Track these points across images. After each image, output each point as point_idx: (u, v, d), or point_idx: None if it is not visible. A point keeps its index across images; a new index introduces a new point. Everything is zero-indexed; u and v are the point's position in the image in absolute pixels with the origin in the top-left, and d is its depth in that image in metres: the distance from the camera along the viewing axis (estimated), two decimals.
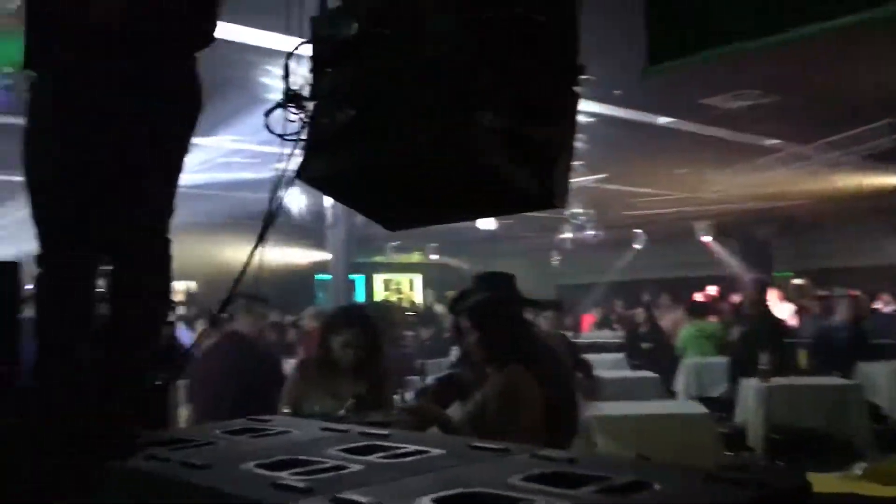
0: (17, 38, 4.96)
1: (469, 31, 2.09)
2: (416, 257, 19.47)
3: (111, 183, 2.07)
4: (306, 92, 2.34)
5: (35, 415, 2.01)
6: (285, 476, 1.58)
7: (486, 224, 12.86)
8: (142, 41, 2.04)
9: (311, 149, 2.31)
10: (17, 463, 1.92)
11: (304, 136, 2.33)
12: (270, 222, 2.43)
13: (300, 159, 2.33)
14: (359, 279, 18.14)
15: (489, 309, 3.24)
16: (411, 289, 21.00)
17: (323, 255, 14.09)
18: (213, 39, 2.23)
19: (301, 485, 1.49)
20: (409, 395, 4.05)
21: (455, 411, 3.29)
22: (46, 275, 2.08)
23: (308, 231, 12.86)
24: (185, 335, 6.07)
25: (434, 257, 19.02)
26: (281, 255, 14.04)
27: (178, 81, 2.17)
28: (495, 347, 3.20)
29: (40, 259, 2.09)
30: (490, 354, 3.20)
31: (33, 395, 2.04)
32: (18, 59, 4.78)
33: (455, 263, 18.65)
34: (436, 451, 1.76)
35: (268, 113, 2.33)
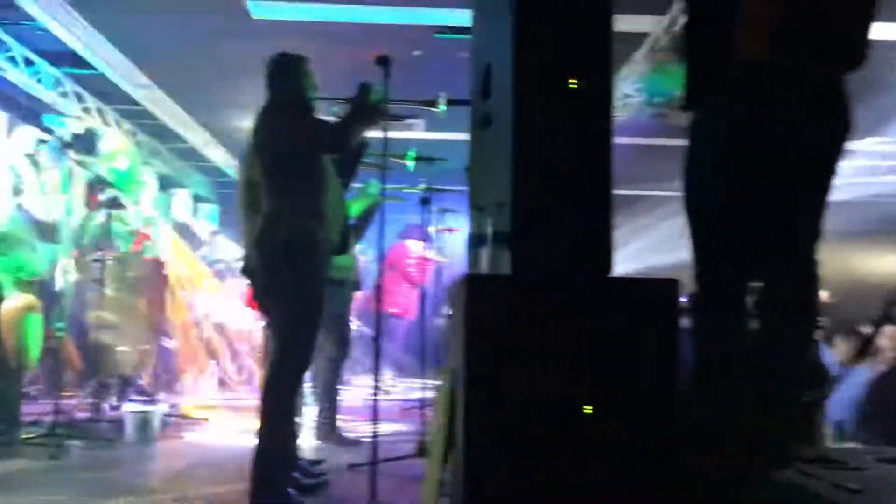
0: (667, 72, 5.50)
1: None
2: None
3: (766, 207, 2.19)
4: None
5: (696, 418, 2.25)
6: None
7: None
8: (792, 71, 2.11)
9: None
10: (681, 461, 2.18)
11: None
12: None
13: None
14: None
15: None
16: None
17: None
18: (866, 59, 2.18)
19: None
20: None
21: None
22: (703, 290, 2.30)
23: None
24: (825, 351, 5.89)
25: None
26: None
27: (830, 104, 2.18)
28: None
29: (698, 276, 2.32)
30: None
31: (694, 400, 2.28)
32: (669, 91, 5.30)
33: None
34: None
35: None
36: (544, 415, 2.42)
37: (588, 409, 2.44)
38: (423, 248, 8.48)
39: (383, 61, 3.21)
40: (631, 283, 2.49)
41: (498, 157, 2.69)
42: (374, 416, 3.03)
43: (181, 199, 11.51)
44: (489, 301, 2.46)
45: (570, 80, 2.56)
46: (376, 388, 3.07)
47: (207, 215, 12.64)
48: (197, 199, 12.29)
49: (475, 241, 2.58)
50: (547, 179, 2.56)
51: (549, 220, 2.55)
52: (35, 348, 5.00)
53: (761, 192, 2.18)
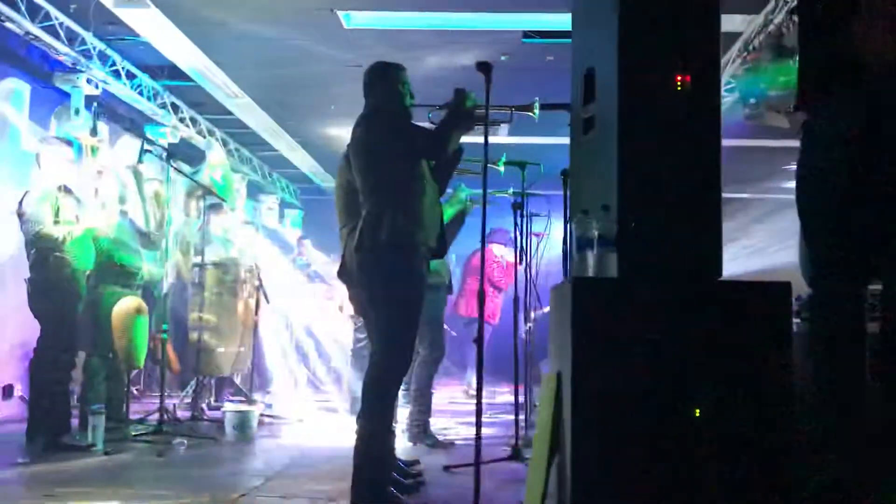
0: (761, 72, 5.38)
1: None
2: None
3: (891, 209, 2.13)
4: None
5: (814, 422, 2.21)
6: None
7: None
8: None
9: None
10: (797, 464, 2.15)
11: None
12: None
13: None
14: None
15: None
16: None
17: None
18: None
19: None
20: None
21: None
22: (820, 293, 2.26)
23: None
24: None
25: None
26: None
27: None
28: None
29: (814, 278, 2.28)
30: None
31: (811, 403, 2.24)
32: (763, 91, 5.18)
33: None
34: None
35: None
36: (652, 417, 2.42)
37: (697, 412, 2.43)
38: (507, 253, 8.50)
39: (484, 67, 3.24)
40: (743, 286, 2.47)
41: (602, 160, 2.69)
42: (478, 417, 3.06)
43: (269, 205, 11.83)
44: (596, 304, 2.47)
45: (678, 82, 2.55)
46: (479, 390, 3.09)
47: (293, 220, 12.95)
48: (283, 204, 12.60)
49: (581, 244, 2.59)
50: (654, 182, 2.56)
51: (656, 223, 2.55)
52: (143, 349, 5.22)
53: (886, 193, 2.13)
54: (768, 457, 2.34)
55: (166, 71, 7.83)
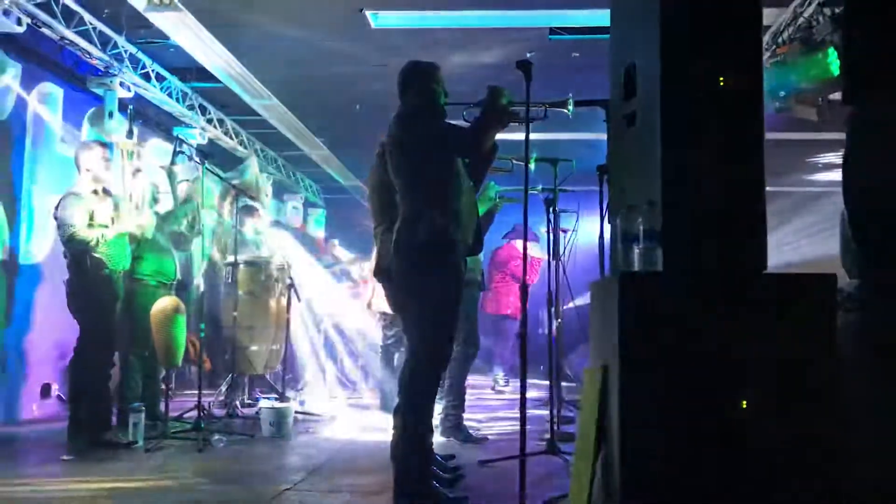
0: (791, 65, 5.37)
1: None
2: None
3: None
4: None
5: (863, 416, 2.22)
6: None
7: None
8: None
9: None
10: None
11: None
12: None
13: None
14: None
15: None
16: None
17: None
18: None
19: None
20: None
21: None
22: (869, 286, 2.27)
23: None
24: None
25: None
26: None
27: None
28: None
29: (862, 271, 2.30)
30: None
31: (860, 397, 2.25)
32: (794, 84, 5.17)
33: None
34: None
35: None
36: (699, 410, 2.44)
37: (744, 405, 2.45)
38: (531, 248, 8.52)
39: (524, 66, 3.26)
40: (787, 279, 2.48)
41: (645, 156, 2.71)
42: (522, 410, 3.08)
43: (294, 204, 11.92)
44: (643, 297, 2.49)
45: (720, 78, 2.57)
46: (523, 384, 3.11)
47: (316, 220, 13.03)
48: (306, 204, 12.69)
49: (626, 239, 2.62)
50: (698, 177, 2.58)
51: (701, 217, 2.57)
52: (181, 348, 5.29)
53: None
54: (817, 449, 2.36)
55: (194, 73, 7.91)
